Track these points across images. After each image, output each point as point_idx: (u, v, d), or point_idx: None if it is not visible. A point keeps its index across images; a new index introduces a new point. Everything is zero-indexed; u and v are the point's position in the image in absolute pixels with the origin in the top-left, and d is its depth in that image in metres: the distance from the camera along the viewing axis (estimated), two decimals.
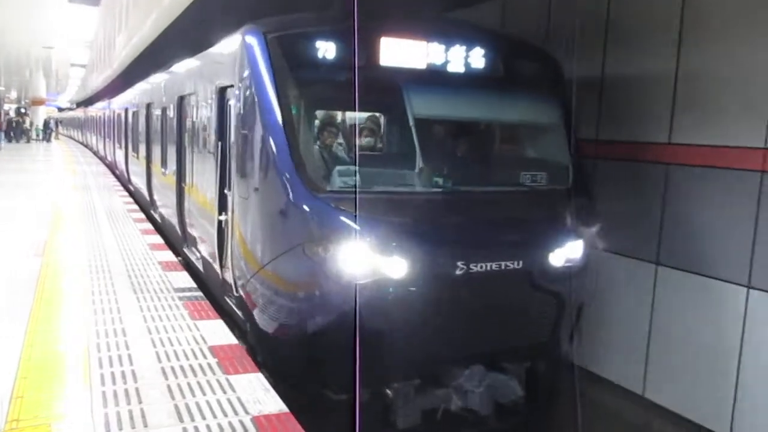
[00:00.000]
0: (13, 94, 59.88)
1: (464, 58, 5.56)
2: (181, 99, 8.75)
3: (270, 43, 5.15)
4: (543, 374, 5.78)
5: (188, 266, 7.92)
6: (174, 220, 9.13)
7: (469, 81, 5.64)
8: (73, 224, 10.19)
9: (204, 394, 4.07)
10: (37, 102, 46.26)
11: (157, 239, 9.35)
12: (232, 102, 5.92)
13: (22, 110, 52.60)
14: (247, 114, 5.34)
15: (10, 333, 5.06)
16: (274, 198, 4.98)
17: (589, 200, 5.84)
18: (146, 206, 12.35)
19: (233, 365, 4.56)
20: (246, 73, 5.34)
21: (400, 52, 5.33)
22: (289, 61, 5.13)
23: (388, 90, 5.39)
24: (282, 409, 3.92)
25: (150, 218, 11.31)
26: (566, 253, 5.39)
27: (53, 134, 46.18)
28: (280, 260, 4.92)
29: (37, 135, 43.14)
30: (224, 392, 4.11)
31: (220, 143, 6.28)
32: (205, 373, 4.40)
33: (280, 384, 4.62)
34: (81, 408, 3.84)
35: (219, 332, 5.27)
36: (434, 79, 5.51)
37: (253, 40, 5.29)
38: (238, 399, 4.02)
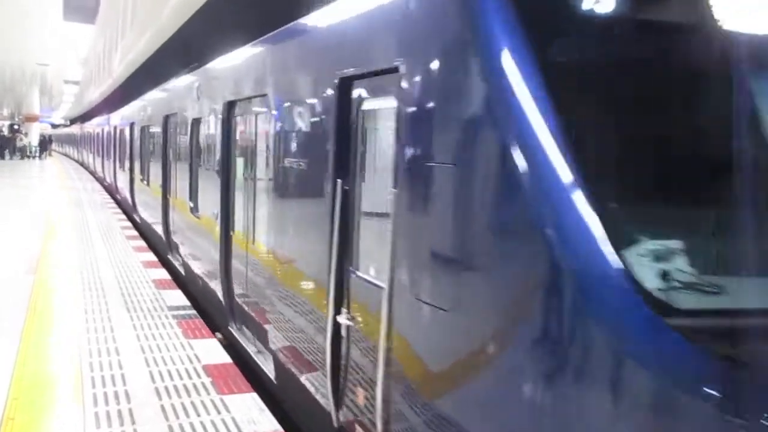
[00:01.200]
0: (5, 111, 59.95)
1: None
2: (231, 106, 6.16)
3: None
4: None
5: (232, 348, 5.66)
6: (213, 284, 6.54)
7: None
8: (66, 241, 10.14)
9: (198, 415, 4.03)
10: (31, 118, 46.31)
11: (150, 257, 9.31)
12: (376, 104, 3.45)
13: (16, 127, 52.63)
14: (444, 126, 2.78)
15: (2, 353, 5.00)
16: (548, 320, 2.27)
17: None
18: (163, 249, 9.72)
19: (227, 385, 4.52)
20: (453, 44, 2.77)
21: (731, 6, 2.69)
22: (559, 21, 2.57)
23: (716, 76, 2.54)
24: (277, 430, 3.89)
25: (165, 263, 9.11)
26: None
27: (47, 151, 46.35)
28: None
29: (31, 151, 43.22)
30: (218, 412, 4.07)
31: (339, 182, 3.61)
32: (199, 393, 4.36)
33: None
34: (73, 429, 3.78)
35: (213, 351, 5.24)
36: None
37: None
38: (233, 419, 3.98)
